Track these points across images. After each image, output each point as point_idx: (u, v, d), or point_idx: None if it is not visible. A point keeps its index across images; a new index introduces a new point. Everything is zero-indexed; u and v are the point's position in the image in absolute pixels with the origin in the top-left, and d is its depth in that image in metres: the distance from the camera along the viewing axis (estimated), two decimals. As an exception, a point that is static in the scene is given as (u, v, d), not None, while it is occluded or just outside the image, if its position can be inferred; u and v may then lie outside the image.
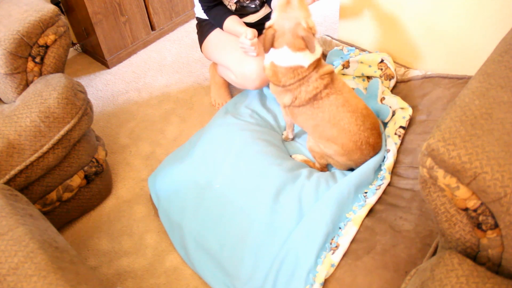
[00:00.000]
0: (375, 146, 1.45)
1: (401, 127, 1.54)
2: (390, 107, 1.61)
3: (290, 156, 1.64)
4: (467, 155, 0.76)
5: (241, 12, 1.80)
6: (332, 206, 1.33)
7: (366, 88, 1.73)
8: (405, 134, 1.55)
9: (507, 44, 0.97)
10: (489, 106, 0.82)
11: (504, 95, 0.84)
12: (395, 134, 1.53)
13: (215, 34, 1.81)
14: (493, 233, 0.81)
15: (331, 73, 1.41)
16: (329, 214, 1.31)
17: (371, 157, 1.46)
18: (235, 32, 1.70)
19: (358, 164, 1.47)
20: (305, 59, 1.37)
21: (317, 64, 1.39)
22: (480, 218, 0.81)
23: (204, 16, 1.82)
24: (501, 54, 0.94)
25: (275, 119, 1.79)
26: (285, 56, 1.38)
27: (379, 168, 1.48)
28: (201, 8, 1.77)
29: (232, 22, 1.71)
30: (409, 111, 1.58)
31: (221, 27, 1.75)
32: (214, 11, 1.74)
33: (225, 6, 1.76)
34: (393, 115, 1.61)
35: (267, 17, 1.89)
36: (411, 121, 1.58)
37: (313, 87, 1.39)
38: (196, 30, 1.95)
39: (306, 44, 1.35)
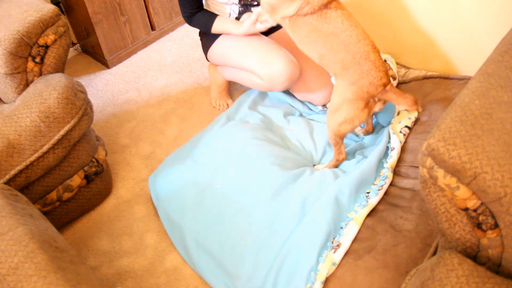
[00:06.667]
0: (376, 63, 1.38)
1: (406, 126, 1.54)
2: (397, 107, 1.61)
3: (314, 166, 1.63)
4: (467, 155, 0.76)
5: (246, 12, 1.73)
6: (332, 205, 1.33)
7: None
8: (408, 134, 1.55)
9: (507, 44, 0.97)
10: (489, 106, 0.82)
11: (504, 95, 0.84)
12: (400, 132, 1.53)
13: (226, 37, 1.72)
14: (493, 233, 0.81)
15: None
16: (329, 213, 1.31)
17: (374, 77, 1.37)
18: (228, 31, 1.67)
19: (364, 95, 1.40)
20: None
21: None
22: (480, 218, 0.81)
23: None
24: (501, 54, 0.94)
25: (278, 118, 1.78)
26: None
27: (381, 166, 1.48)
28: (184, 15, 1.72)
29: (222, 21, 1.67)
30: (415, 113, 1.58)
31: (209, 29, 1.71)
32: (198, 16, 1.69)
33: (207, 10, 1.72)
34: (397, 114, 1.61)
35: None
36: (412, 121, 1.59)
37: None
38: (197, 33, 1.91)
39: None
